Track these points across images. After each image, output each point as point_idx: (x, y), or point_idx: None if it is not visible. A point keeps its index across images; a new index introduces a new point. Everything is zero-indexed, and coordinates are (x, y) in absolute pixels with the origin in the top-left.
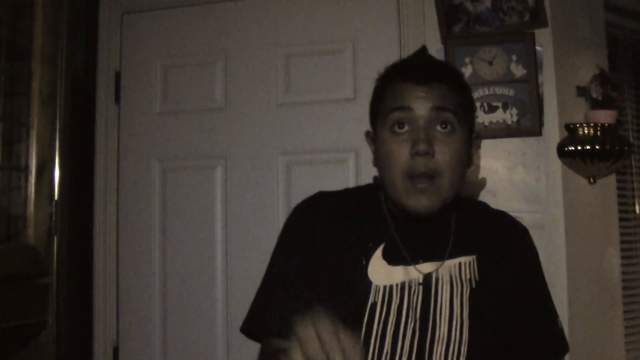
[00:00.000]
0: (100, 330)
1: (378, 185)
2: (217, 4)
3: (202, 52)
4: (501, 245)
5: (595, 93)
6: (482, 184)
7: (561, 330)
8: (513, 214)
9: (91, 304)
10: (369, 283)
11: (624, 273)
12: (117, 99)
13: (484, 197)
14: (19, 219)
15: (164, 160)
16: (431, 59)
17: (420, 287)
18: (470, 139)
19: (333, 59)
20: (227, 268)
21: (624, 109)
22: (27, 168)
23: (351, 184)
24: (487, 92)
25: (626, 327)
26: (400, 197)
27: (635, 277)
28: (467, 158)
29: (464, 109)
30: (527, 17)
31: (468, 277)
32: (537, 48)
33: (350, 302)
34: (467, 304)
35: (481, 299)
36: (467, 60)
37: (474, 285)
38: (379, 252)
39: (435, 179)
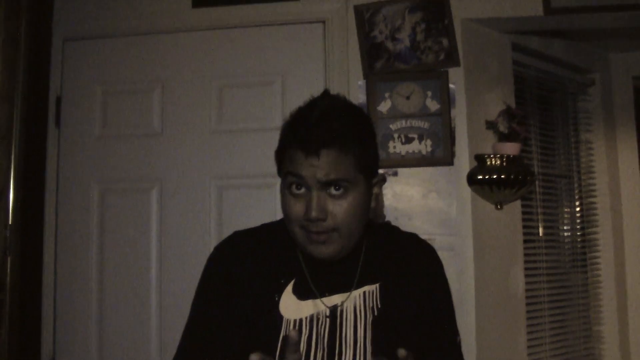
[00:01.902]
0: (45, 343)
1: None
2: (155, 35)
3: (140, 81)
4: (406, 269)
5: (502, 127)
6: (399, 208)
7: (459, 346)
8: (426, 236)
9: (39, 318)
10: (281, 317)
11: (528, 290)
12: (58, 122)
13: (401, 220)
14: None
15: (103, 182)
16: (323, 116)
17: (327, 319)
18: (371, 184)
19: (263, 90)
20: (162, 284)
21: (530, 139)
22: None
23: (278, 207)
24: (404, 125)
25: (529, 340)
26: (302, 246)
27: (538, 294)
28: (368, 203)
29: (361, 163)
30: (442, 57)
31: (370, 305)
32: (451, 85)
33: (264, 337)
34: (370, 331)
35: (382, 325)
36: (386, 94)
37: (375, 313)
38: (289, 288)
39: (332, 233)
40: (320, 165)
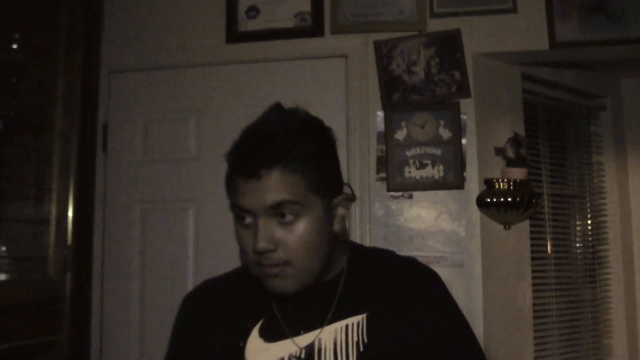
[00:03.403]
0: (93, 349)
1: None
2: (192, 68)
3: (178, 110)
4: (400, 297)
5: (510, 153)
6: (414, 228)
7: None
8: (438, 254)
9: (89, 326)
10: None
11: (536, 304)
12: (105, 148)
13: (415, 240)
14: (43, 259)
15: (144, 203)
16: (264, 135)
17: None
18: (331, 206)
19: None
20: None
21: (540, 164)
22: (48, 221)
23: None
24: (418, 152)
25: (537, 351)
26: (261, 281)
27: (546, 308)
28: (327, 228)
29: (315, 183)
30: (454, 89)
31: (355, 339)
32: (462, 116)
33: None
34: None
35: None
36: (402, 124)
37: (361, 349)
38: (255, 332)
39: (286, 266)
40: (261, 189)
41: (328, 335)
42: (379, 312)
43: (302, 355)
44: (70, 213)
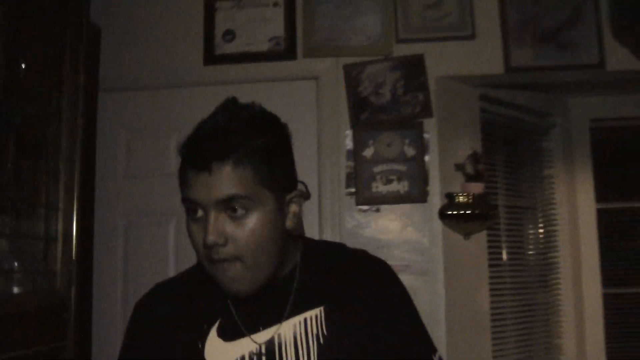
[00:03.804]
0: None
1: None
2: (171, 89)
3: (159, 127)
4: (354, 289)
5: (469, 169)
6: (381, 239)
7: (429, 345)
8: (404, 263)
9: (91, 333)
10: None
11: (493, 307)
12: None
13: (382, 249)
14: (52, 272)
15: (127, 216)
16: (216, 127)
17: (263, 357)
18: (284, 202)
19: None
20: None
21: (496, 178)
22: (56, 238)
23: None
24: (385, 168)
25: (494, 351)
26: (216, 281)
27: (502, 311)
28: (279, 224)
29: (266, 179)
30: (418, 109)
31: (315, 332)
32: (425, 134)
33: None
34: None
35: (331, 354)
36: (370, 142)
37: (321, 341)
38: (213, 332)
39: (237, 261)
40: (212, 182)
41: (287, 329)
42: (335, 304)
43: (263, 351)
44: (74, 230)
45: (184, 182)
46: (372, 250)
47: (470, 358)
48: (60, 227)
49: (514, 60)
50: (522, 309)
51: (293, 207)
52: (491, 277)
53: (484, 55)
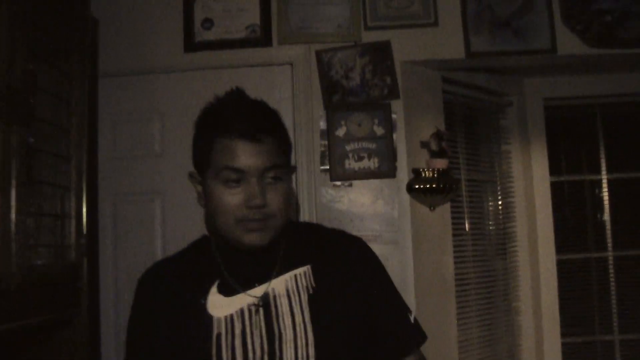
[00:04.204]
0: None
1: (207, 234)
2: (155, 74)
3: (143, 112)
4: (336, 254)
5: (433, 146)
6: (354, 212)
7: (415, 323)
8: (375, 233)
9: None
10: (210, 317)
11: (457, 274)
12: None
13: (355, 221)
14: (68, 246)
15: (115, 195)
16: (250, 106)
17: (260, 308)
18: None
19: None
20: None
21: (458, 154)
22: (70, 216)
23: None
24: (357, 146)
25: (459, 313)
26: (235, 237)
27: (465, 277)
28: (293, 192)
29: (288, 153)
30: (385, 92)
31: (305, 284)
32: (393, 115)
33: (197, 340)
34: (308, 308)
35: (320, 303)
36: (342, 122)
37: (311, 292)
38: (214, 289)
39: (267, 221)
40: (261, 151)
41: (279, 284)
42: (320, 264)
43: (260, 303)
44: (84, 209)
45: (225, 152)
46: (345, 222)
47: (438, 320)
48: (73, 205)
49: (473, 46)
50: (483, 274)
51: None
52: (455, 246)
53: (445, 41)
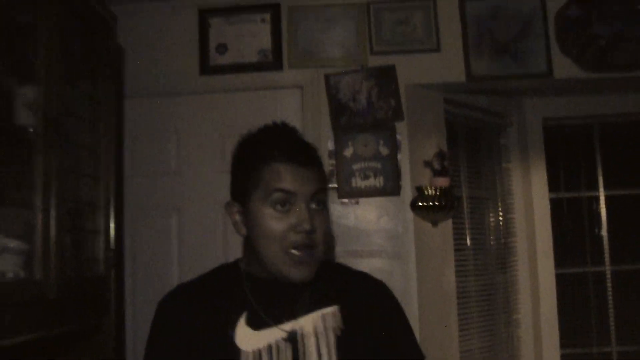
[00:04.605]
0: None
1: (238, 261)
2: (171, 95)
3: (160, 131)
4: (363, 297)
5: (436, 165)
6: (360, 228)
7: (419, 351)
8: (380, 248)
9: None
10: (238, 350)
11: (458, 287)
12: None
13: (361, 237)
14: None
15: (133, 211)
16: (294, 134)
17: (288, 343)
18: None
19: None
20: None
21: (459, 172)
22: (99, 232)
23: None
24: (363, 165)
25: (460, 325)
26: (281, 269)
27: (467, 290)
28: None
29: (326, 182)
30: (390, 113)
31: (333, 326)
32: (397, 136)
33: None
34: (335, 350)
35: (348, 346)
36: (349, 143)
37: (339, 333)
38: (242, 321)
39: (313, 250)
40: (310, 178)
41: (308, 323)
42: (347, 305)
43: (288, 339)
44: (112, 225)
45: (275, 175)
46: (352, 237)
47: (440, 331)
48: (102, 221)
49: (473, 70)
50: (484, 287)
51: None
52: (457, 260)
53: (447, 66)
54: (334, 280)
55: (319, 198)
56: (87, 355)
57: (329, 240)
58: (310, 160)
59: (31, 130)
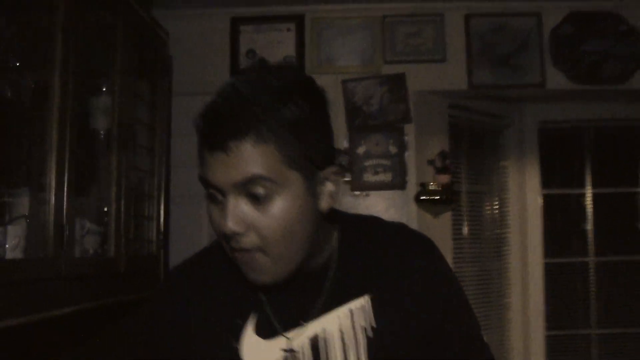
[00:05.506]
0: None
1: None
2: (204, 95)
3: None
4: (401, 273)
5: (438, 164)
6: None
7: (485, 350)
8: None
9: None
10: None
11: (456, 273)
12: None
13: None
14: (150, 241)
15: (171, 198)
16: (244, 98)
17: (310, 353)
18: (315, 182)
19: None
20: None
21: (460, 169)
22: (152, 218)
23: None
24: (374, 162)
25: None
26: (241, 270)
27: (463, 276)
28: (310, 207)
29: (293, 156)
30: (399, 116)
31: (362, 325)
32: (405, 137)
33: None
34: (366, 357)
35: (383, 350)
36: (362, 142)
37: (370, 335)
38: (250, 329)
39: (259, 253)
40: (229, 163)
41: (332, 323)
42: (381, 292)
43: (307, 349)
44: (162, 211)
45: (200, 160)
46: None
47: None
48: (155, 208)
49: (475, 79)
50: (479, 274)
51: (329, 186)
52: (455, 248)
53: (452, 75)
54: (365, 258)
55: (252, 191)
56: None
57: (306, 235)
58: (238, 138)
59: (102, 133)
